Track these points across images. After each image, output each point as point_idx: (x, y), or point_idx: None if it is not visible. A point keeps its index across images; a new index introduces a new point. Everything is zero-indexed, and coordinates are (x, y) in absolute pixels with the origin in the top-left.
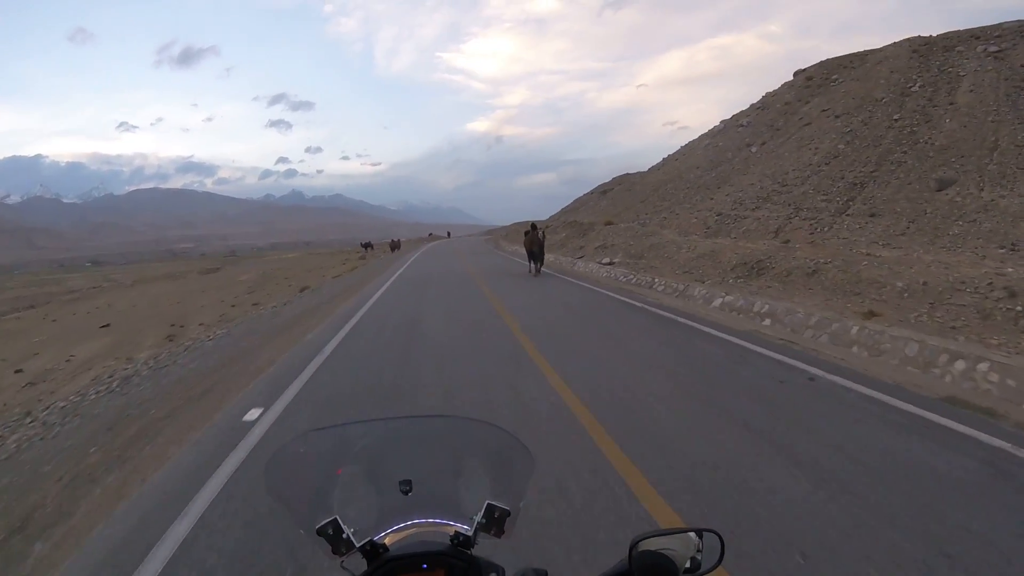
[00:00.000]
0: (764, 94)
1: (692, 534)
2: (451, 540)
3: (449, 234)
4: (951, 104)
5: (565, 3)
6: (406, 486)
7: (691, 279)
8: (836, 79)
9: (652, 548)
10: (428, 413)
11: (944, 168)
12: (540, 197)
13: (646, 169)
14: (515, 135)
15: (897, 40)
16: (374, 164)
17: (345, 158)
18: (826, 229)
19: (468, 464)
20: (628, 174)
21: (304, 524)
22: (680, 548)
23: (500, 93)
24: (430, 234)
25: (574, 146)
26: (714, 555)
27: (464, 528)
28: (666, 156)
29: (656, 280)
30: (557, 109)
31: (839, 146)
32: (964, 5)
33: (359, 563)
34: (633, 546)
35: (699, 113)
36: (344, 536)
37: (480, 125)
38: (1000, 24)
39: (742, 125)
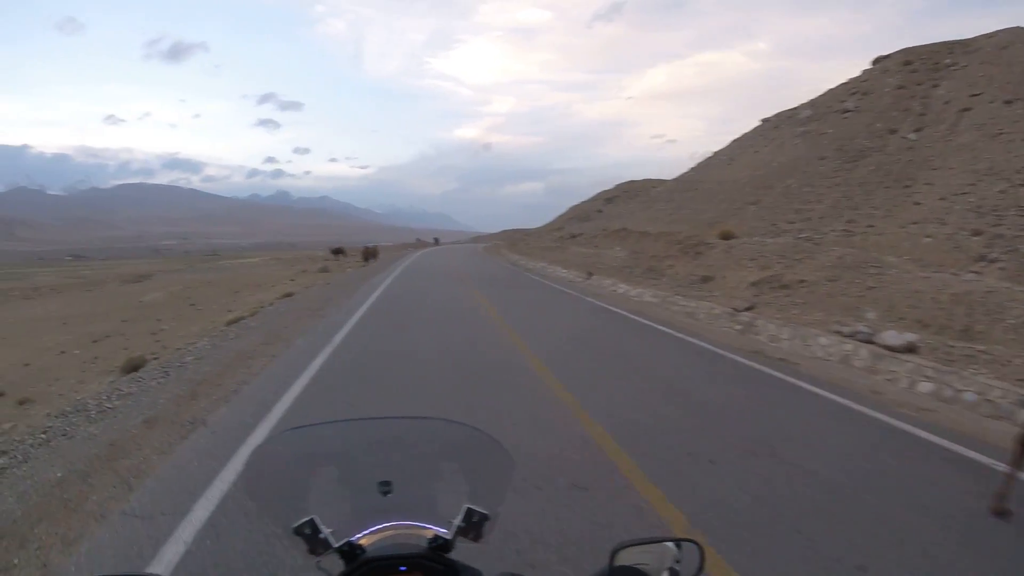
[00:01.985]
0: (848, 79)
1: (671, 544)
2: (429, 543)
3: (437, 241)
4: None
5: (555, 14)
6: (385, 487)
7: None
8: (952, 64)
9: (628, 563)
10: (407, 415)
11: None
12: (526, 206)
13: (642, 179)
14: (502, 143)
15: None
16: (362, 167)
17: (333, 160)
18: None
19: (447, 467)
20: (634, 181)
21: (281, 523)
22: (655, 562)
23: (488, 100)
24: (417, 240)
25: (561, 156)
26: (693, 565)
27: (442, 531)
28: (713, 153)
29: None
30: (544, 119)
31: None
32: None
33: (336, 563)
34: (613, 554)
35: (685, 128)
36: (321, 536)
37: (467, 132)
38: None
39: (848, 111)
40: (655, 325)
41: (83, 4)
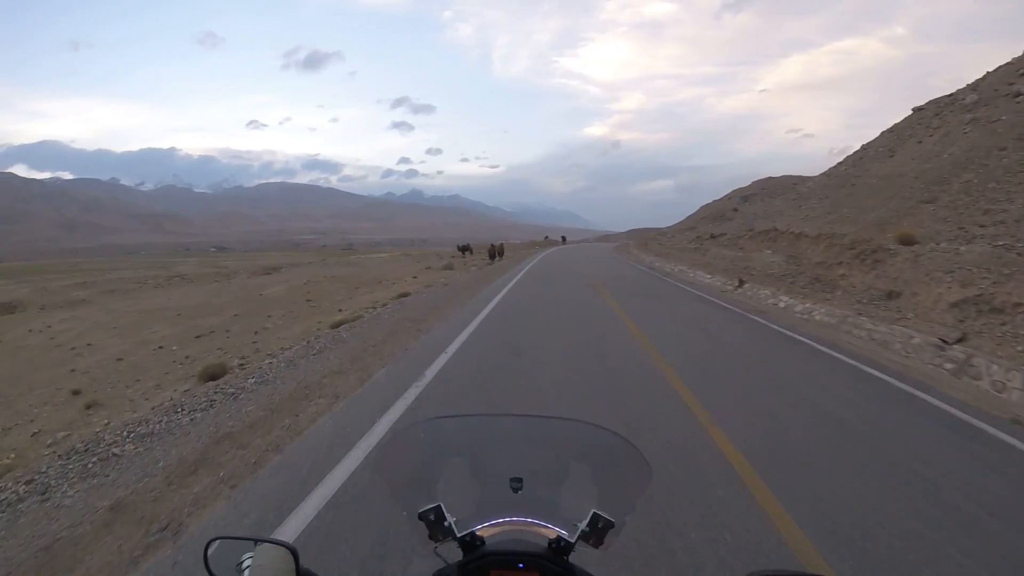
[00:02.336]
0: (1012, 58)
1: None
2: (549, 544)
3: (564, 239)
4: None
5: (681, 7)
6: (517, 483)
7: None
8: None
9: None
10: (549, 414)
11: None
12: (655, 204)
13: (780, 175)
14: (631, 140)
15: None
16: (492, 166)
17: (464, 160)
18: None
19: (579, 469)
20: (772, 177)
21: (407, 507)
22: None
23: (616, 98)
24: (546, 237)
25: (691, 153)
26: None
27: (565, 534)
28: (861, 146)
29: None
30: (674, 115)
31: None
32: None
33: (454, 552)
34: None
35: (823, 121)
36: (445, 524)
37: (596, 130)
38: None
39: (1022, 94)
40: (843, 358)
41: (221, 20)
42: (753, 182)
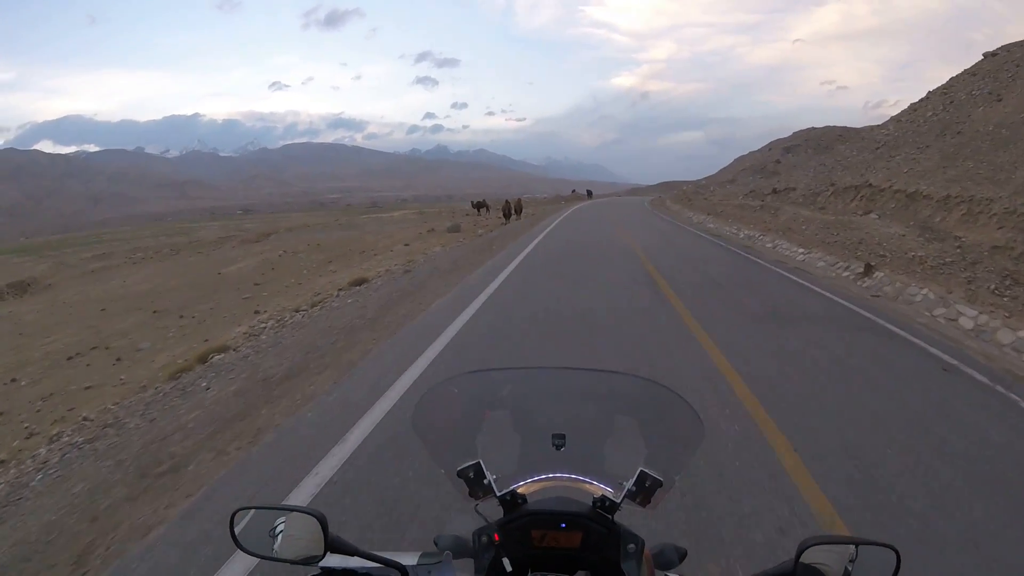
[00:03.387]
0: None
1: (853, 546)
2: (594, 502)
3: (590, 193)
4: None
5: None
6: (560, 440)
7: None
8: None
9: (811, 561)
10: (594, 367)
11: None
12: (685, 157)
13: (823, 126)
14: (660, 91)
15: None
16: (518, 120)
17: (490, 113)
18: None
19: (627, 425)
20: (815, 128)
21: (445, 464)
22: (834, 562)
23: (645, 48)
24: (573, 191)
25: (723, 104)
26: (886, 571)
27: (610, 492)
28: (928, 94)
29: None
30: (705, 64)
31: None
32: None
33: (495, 510)
34: (800, 550)
35: (859, 72)
36: (485, 481)
37: (624, 81)
38: None
39: None
40: None
41: None
42: (794, 133)
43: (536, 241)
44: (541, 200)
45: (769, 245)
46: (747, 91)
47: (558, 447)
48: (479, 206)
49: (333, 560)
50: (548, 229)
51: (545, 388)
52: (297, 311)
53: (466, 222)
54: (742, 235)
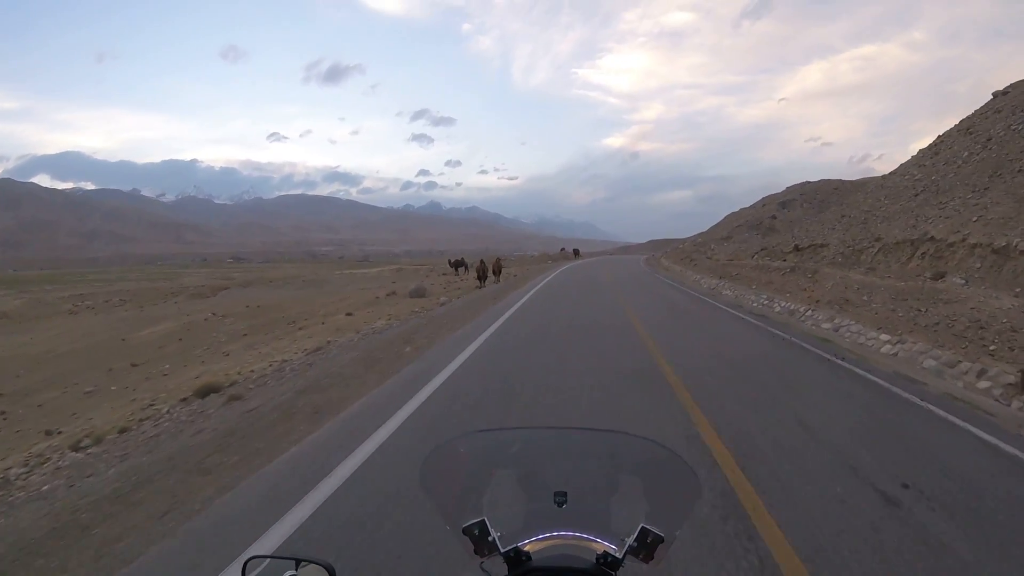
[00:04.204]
0: None
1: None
2: (597, 559)
3: (577, 252)
4: None
5: (700, 15)
6: (561, 497)
7: None
8: None
9: None
10: (593, 427)
11: None
12: (675, 214)
13: (817, 179)
14: (651, 151)
15: None
16: (510, 178)
17: (483, 172)
18: None
19: (626, 482)
20: (809, 182)
21: (451, 521)
22: None
23: (636, 108)
24: (562, 249)
25: (712, 162)
26: None
27: (613, 549)
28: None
29: None
30: (694, 124)
31: None
32: None
33: (500, 567)
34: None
35: (843, 128)
36: (490, 538)
37: (615, 140)
38: None
39: None
40: None
41: (243, 33)
42: (787, 187)
43: (508, 315)
44: (529, 259)
45: (827, 326)
46: (735, 149)
47: (560, 504)
48: (457, 265)
49: None
50: (527, 296)
51: (548, 447)
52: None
53: (439, 283)
54: (777, 308)
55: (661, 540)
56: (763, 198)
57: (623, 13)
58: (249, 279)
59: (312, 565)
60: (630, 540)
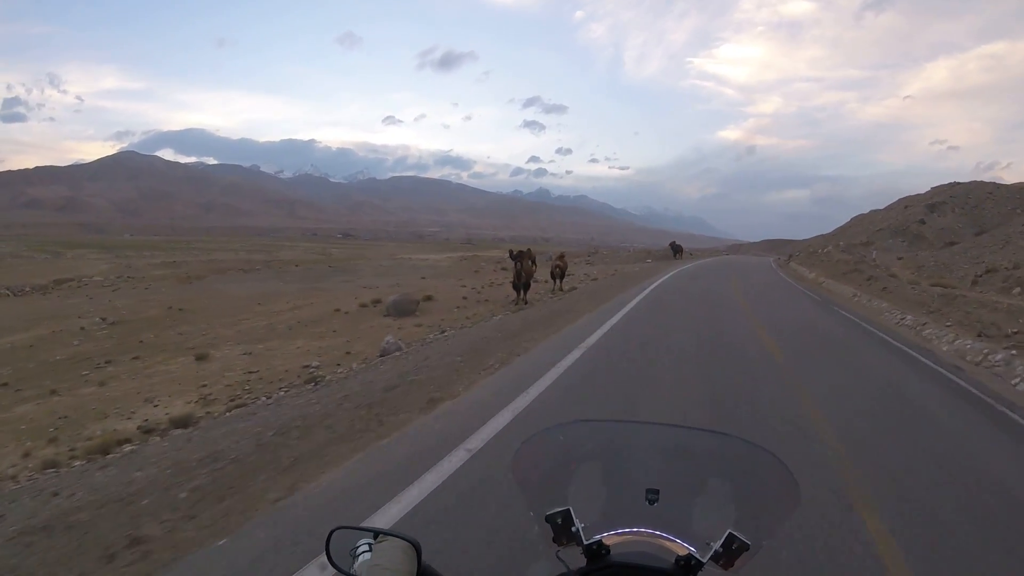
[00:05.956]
0: None
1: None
2: (676, 560)
3: (678, 250)
4: None
5: (821, 5)
6: (653, 495)
7: None
8: None
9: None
10: (699, 426)
11: None
12: (788, 215)
13: (966, 181)
14: (766, 146)
15: None
16: (621, 168)
17: (593, 161)
18: None
19: (719, 485)
20: (958, 183)
21: (535, 507)
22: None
23: (752, 101)
24: (672, 243)
25: (830, 162)
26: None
27: (695, 552)
28: None
29: None
30: (813, 120)
31: None
32: None
33: (577, 558)
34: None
35: (969, 132)
36: (573, 529)
37: (730, 134)
38: None
39: None
40: None
41: (360, 21)
42: (933, 188)
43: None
44: (624, 256)
45: None
46: (854, 150)
47: (651, 502)
48: (518, 257)
49: None
50: (604, 330)
51: (646, 442)
52: None
53: (480, 284)
54: None
55: (746, 548)
56: (901, 199)
57: (740, 2)
58: (295, 259)
59: (398, 540)
60: (716, 545)
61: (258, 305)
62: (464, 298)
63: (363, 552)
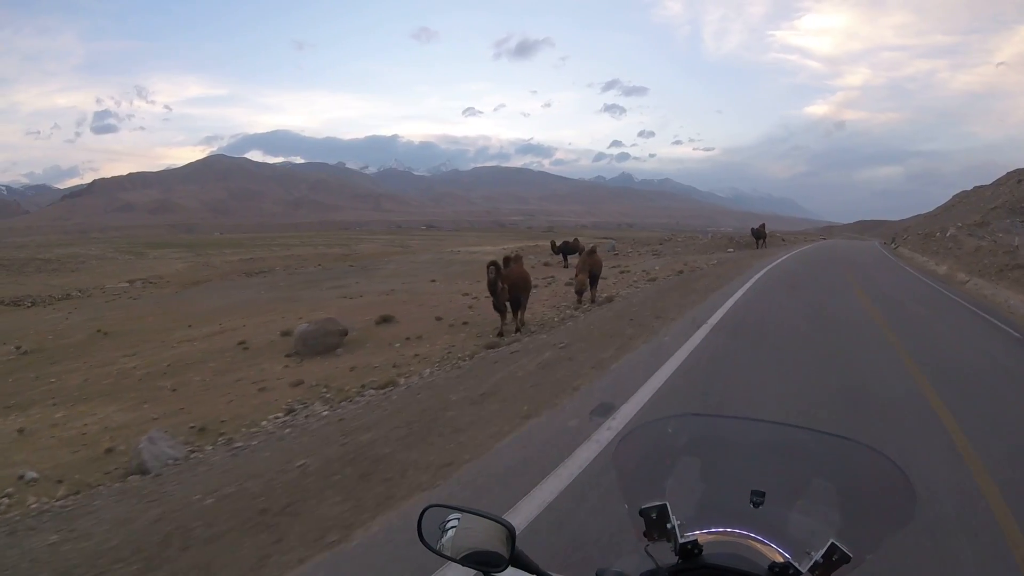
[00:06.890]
0: None
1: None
2: (770, 567)
3: (761, 237)
4: None
5: None
6: (759, 497)
7: None
8: None
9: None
10: (819, 429)
11: None
12: (881, 193)
13: None
14: (856, 120)
15: None
16: (706, 149)
17: (677, 142)
18: None
19: (827, 491)
20: None
21: (630, 499)
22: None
23: (839, 73)
24: (760, 226)
25: (923, 136)
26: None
27: (789, 558)
28: None
29: None
30: (904, 91)
31: None
32: None
33: (667, 555)
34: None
35: None
36: (668, 525)
37: (817, 109)
38: None
39: None
40: None
41: (432, 16)
42: None
43: None
44: (700, 244)
45: None
46: (949, 121)
47: (756, 504)
48: (564, 250)
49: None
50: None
51: (755, 441)
52: None
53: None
54: None
55: (847, 560)
56: (1011, 173)
57: None
58: (370, 252)
59: (492, 521)
60: (817, 555)
61: (192, 327)
62: (438, 319)
63: (451, 527)
